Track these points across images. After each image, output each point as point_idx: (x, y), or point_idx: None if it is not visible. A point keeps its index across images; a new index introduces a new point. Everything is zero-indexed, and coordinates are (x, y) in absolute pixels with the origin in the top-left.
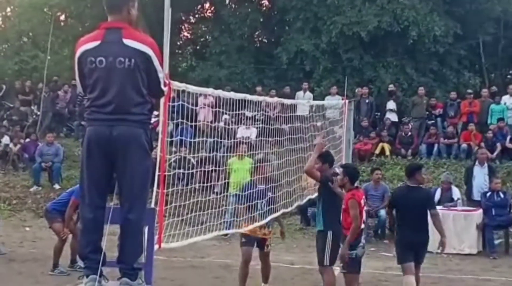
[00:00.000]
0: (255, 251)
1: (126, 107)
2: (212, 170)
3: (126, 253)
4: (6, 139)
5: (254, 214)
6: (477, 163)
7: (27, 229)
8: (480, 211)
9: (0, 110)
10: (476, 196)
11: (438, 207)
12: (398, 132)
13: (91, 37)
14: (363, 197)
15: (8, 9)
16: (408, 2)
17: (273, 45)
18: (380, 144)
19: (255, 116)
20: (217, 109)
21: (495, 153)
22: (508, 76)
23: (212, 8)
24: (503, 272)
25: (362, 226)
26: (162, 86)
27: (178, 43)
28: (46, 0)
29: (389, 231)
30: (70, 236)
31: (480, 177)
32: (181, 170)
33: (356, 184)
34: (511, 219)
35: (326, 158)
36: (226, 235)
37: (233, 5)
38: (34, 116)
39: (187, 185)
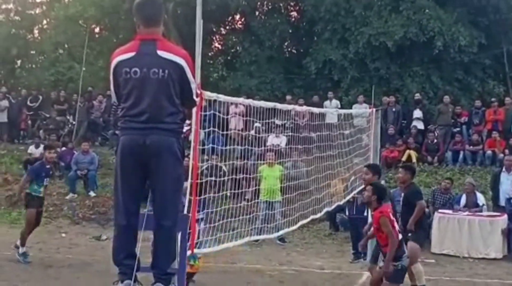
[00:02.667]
0: None
1: (159, 116)
2: (243, 178)
3: (160, 258)
4: (42, 148)
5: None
6: (503, 169)
7: (63, 235)
8: (505, 216)
9: (36, 120)
10: (503, 202)
11: (464, 213)
12: (424, 139)
13: (127, 48)
14: (390, 209)
15: (45, 22)
16: (433, 13)
17: (302, 55)
18: (407, 152)
19: (284, 124)
20: (248, 117)
21: None
22: None
23: (243, 20)
24: None
25: (400, 236)
26: (195, 97)
27: (210, 54)
28: (81, 12)
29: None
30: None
31: (507, 183)
32: (213, 178)
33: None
34: None
35: (375, 168)
36: (257, 241)
37: (263, 17)
38: (69, 126)
39: (218, 192)
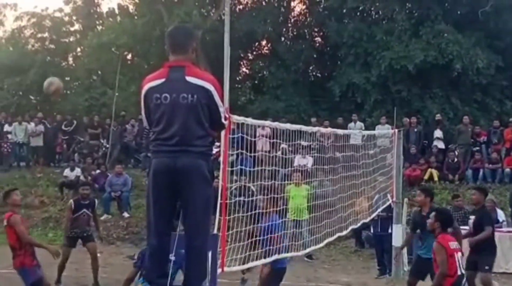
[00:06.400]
0: None
1: (189, 139)
2: (271, 198)
3: (191, 277)
4: (77, 171)
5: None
6: None
7: (98, 255)
8: None
9: (71, 144)
10: None
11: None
12: (445, 158)
13: (156, 75)
14: (452, 240)
15: (78, 49)
16: (452, 37)
17: (326, 79)
18: (429, 170)
19: (310, 145)
20: (275, 139)
21: None
22: None
23: (269, 45)
24: None
25: (460, 272)
26: (223, 120)
27: (238, 79)
28: (113, 40)
29: None
30: None
31: None
32: (242, 198)
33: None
34: None
35: (427, 191)
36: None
37: (288, 42)
38: (103, 149)
39: (247, 211)
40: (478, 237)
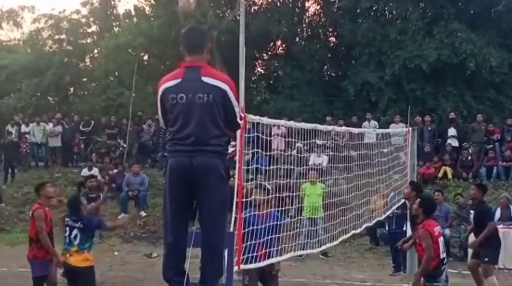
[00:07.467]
0: None
1: (205, 139)
2: (286, 196)
3: (208, 274)
4: (95, 171)
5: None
6: None
7: (116, 253)
8: None
9: (89, 144)
10: None
11: (498, 226)
12: (459, 156)
13: (173, 75)
14: (437, 226)
15: (96, 51)
16: (465, 36)
17: (340, 78)
18: (443, 168)
19: (325, 144)
20: (290, 138)
21: None
22: None
23: (284, 45)
24: None
25: (443, 255)
26: (238, 119)
27: (253, 78)
28: (130, 41)
29: None
30: None
31: None
32: (258, 196)
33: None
34: None
35: (415, 185)
36: (301, 255)
37: (303, 42)
38: (120, 149)
39: (263, 210)
40: (482, 234)
